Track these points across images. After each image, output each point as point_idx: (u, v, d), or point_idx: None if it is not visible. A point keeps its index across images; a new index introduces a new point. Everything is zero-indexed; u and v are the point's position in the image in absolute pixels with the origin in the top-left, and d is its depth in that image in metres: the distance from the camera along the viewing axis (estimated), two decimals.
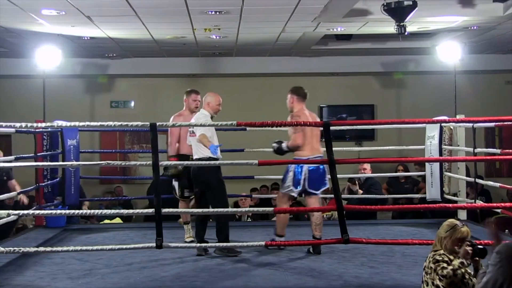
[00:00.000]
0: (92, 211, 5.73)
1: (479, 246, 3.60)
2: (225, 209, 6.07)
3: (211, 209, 5.90)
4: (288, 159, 6.13)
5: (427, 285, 3.62)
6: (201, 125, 5.84)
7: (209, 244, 5.83)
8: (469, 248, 3.59)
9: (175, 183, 6.62)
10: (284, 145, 6.03)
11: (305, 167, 5.92)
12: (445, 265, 3.58)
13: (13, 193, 6.89)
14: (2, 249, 5.22)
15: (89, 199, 9.55)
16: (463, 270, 3.56)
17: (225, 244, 5.77)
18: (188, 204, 6.71)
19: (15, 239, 6.78)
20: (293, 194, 6.06)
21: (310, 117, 6.08)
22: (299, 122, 5.73)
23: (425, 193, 7.89)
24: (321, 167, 5.98)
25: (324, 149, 5.55)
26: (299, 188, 6.00)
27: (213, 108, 6.14)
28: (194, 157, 6.05)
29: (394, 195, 8.87)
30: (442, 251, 3.65)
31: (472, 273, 3.61)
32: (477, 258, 3.61)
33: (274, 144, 6.11)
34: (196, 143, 6.00)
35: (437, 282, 3.57)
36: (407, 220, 8.24)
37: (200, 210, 5.85)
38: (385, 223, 8.02)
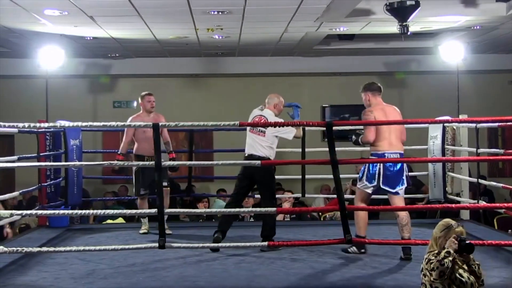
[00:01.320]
0: (95, 211, 5.74)
1: (466, 242, 3.59)
2: (228, 209, 6.11)
3: (214, 210, 5.93)
4: (292, 159, 6.12)
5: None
6: (203, 126, 5.84)
7: (218, 244, 5.82)
8: (454, 239, 3.58)
9: (134, 182, 7.02)
10: (359, 139, 5.78)
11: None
12: (432, 258, 3.57)
13: (15, 193, 6.88)
14: (5, 249, 5.22)
15: (93, 199, 9.56)
16: (450, 259, 3.52)
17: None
18: (146, 202, 7.09)
19: (18, 239, 6.79)
20: (368, 190, 5.72)
21: (386, 112, 5.72)
22: (302, 122, 5.68)
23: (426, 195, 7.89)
24: (399, 164, 5.66)
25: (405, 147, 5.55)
26: (374, 183, 5.64)
27: (279, 109, 6.36)
28: (254, 154, 6.12)
29: None
30: (436, 251, 3.63)
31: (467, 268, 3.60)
32: (465, 254, 3.60)
33: (353, 137, 5.83)
34: (259, 142, 6.13)
35: (435, 284, 3.55)
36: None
37: (203, 210, 5.84)
38: (388, 223, 8.00)
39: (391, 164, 5.65)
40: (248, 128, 6.26)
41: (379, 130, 5.64)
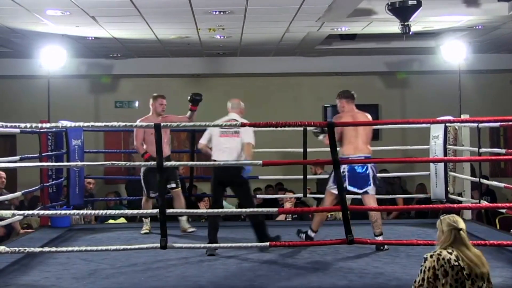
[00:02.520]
0: (97, 211, 5.75)
1: None
2: (230, 210, 6.10)
3: (219, 209, 5.94)
4: (294, 159, 6.12)
5: None
6: (205, 126, 5.85)
7: (219, 245, 5.81)
8: None
9: (143, 184, 7.00)
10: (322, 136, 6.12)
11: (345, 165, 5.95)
12: None
13: (17, 193, 6.90)
14: (8, 249, 5.24)
15: (95, 199, 9.56)
16: None
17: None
18: (150, 202, 7.13)
19: (20, 239, 6.80)
20: (333, 191, 6.00)
21: (355, 119, 6.05)
22: (303, 122, 5.68)
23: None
24: (364, 166, 5.97)
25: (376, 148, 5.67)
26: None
27: (243, 114, 6.37)
28: (229, 158, 6.07)
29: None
30: None
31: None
32: None
33: (318, 132, 6.19)
34: (235, 145, 6.08)
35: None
36: (411, 220, 8.23)
37: (205, 210, 5.85)
38: (389, 223, 8.01)
39: (357, 166, 5.97)
40: (217, 133, 6.18)
41: (345, 135, 6.01)
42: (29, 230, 7.54)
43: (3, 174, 7.55)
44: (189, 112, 7.04)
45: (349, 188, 5.99)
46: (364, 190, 6.02)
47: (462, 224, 3.52)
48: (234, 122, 6.03)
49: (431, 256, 3.44)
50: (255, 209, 6.12)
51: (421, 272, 3.43)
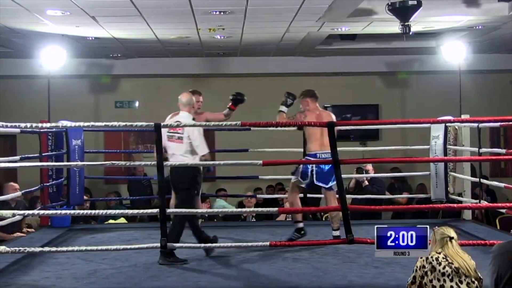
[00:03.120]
0: (97, 211, 5.75)
1: None
2: (230, 209, 6.10)
3: (216, 210, 5.92)
4: (293, 159, 6.16)
5: None
6: (205, 125, 5.85)
7: (219, 245, 5.81)
8: None
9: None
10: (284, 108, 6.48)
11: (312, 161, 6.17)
12: None
13: (17, 193, 6.89)
14: (8, 249, 5.24)
15: (95, 199, 9.57)
16: None
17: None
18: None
19: (20, 239, 6.81)
20: (301, 185, 6.34)
21: (319, 117, 6.28)
22: (304, 122, 5.76)
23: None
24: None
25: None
26: (307, 180, 6.27)
27: (194, 109, 6.07)
28: (175, 163, 5.68)
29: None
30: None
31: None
32: None
33: (288, 100, 6.49)
34: (179, 151, 5.73)
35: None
36: (411, 220, 8.21)
37: (205, 210, 5.85)
38: (389, 223, 8.00)
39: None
40: (165, 137, 5.71)
41: (311, 133, 6.26)
42: (30, 230, 7.54)
43: (17, 185, 7.58)
44: (227, 109, 6.72)
45: (316, 183, 6.25)
46: (329, 185, 6.24)
47: (454, 234, 3.77)
48: (180, 124, 5.64)
49: (421, 257, 3.75)
50: (194, 211, 5.69)
51: (412, 272, 3.73)
